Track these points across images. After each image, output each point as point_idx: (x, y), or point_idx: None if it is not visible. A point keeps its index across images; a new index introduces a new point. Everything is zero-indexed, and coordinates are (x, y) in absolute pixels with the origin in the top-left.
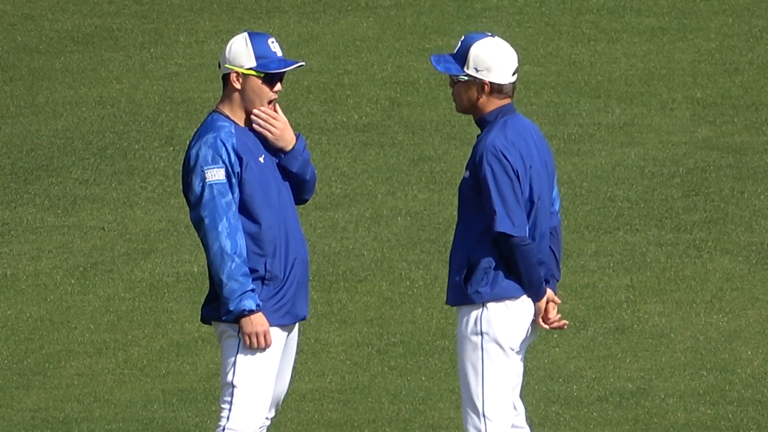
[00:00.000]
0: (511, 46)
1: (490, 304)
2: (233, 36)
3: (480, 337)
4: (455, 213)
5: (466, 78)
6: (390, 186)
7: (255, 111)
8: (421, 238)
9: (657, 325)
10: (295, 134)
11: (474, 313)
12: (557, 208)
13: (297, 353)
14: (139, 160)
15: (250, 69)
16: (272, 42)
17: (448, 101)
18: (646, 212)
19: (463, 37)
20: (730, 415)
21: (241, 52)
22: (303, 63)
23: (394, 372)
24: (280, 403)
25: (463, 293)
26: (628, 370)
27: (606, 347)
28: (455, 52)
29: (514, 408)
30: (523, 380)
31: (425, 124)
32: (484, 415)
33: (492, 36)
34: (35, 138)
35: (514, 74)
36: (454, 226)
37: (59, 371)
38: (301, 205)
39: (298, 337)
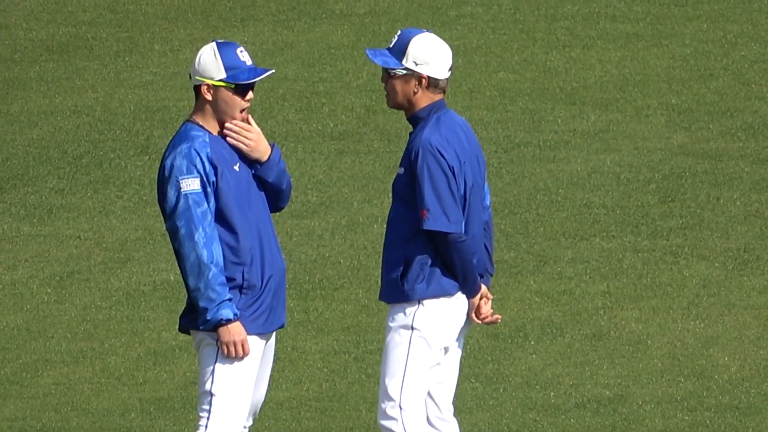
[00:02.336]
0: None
1: (425, 301)
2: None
3: (410, 331)
4: None
5: (404, 72)
6: (366, 194)
7: (227, 124)
8: None
9: (634, 332)
10: (270, 144)
11: (408, 309)
12: (488, 203)
13: (274, 361)
14: (114, 169)
15: (220, 80)
16: (241, 51)
17: None
18: (622, 219)
19: (399, 32)
20: (708, 422)
21: (210, 63)
22: (273, 71)
23: (372, 379)
24: (258, 411)
25: (399, 290)
26: (606, 376)
27: (583, 354)
28: (391, 46)
29: (436, 405)
30: (459, 375)
31: (401, 132)
32: (400, 407)
33: (429, 31)
34: (10, 147)
35: (449, 70)
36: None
37: (36, 380)
38: (277, 213)
39: (276, 345)
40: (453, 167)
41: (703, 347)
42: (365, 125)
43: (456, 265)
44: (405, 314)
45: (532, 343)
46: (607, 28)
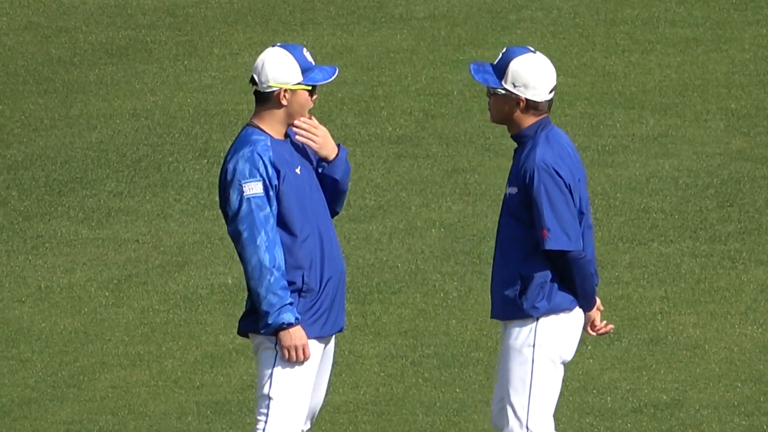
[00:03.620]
0: (546, 57)
1: (545, 318)
2: (266, 49)
3: (532, 349)
4: (489, 224)
5: (503, 92)
6: (424, 198)
7: (296, 122)
8: (455, 250)
9: (691, 337)
10: (336, 144)
11: (528, 326)
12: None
13: (333, 365)
14: (173, 173)
15: (298, 84)
16: (306, 52)
17: (482, 113)
18: (681, 223)
19: (504, 50)
20: (765, 427)
21: (284, 68)
22: (337, 68)
23: (429, 384)
24: (316, 415)
25: (518, 308)
26: (663, 381)
27: (640, 358)
28: (495, 62)
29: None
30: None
31: (459, 136)
32: (527, 428)
33: (533, 52)
34: (69, 150)
35: (551, 92)
36: (491, 238)
37: (93, 383)
38: (334, 217)
39: (335, 348)
40: (569, 184)
41: (760, 352)
42: (423, 129)
43: (576, 282)
44: (525, 332)
45: (590, 347)
46: (666, 33)
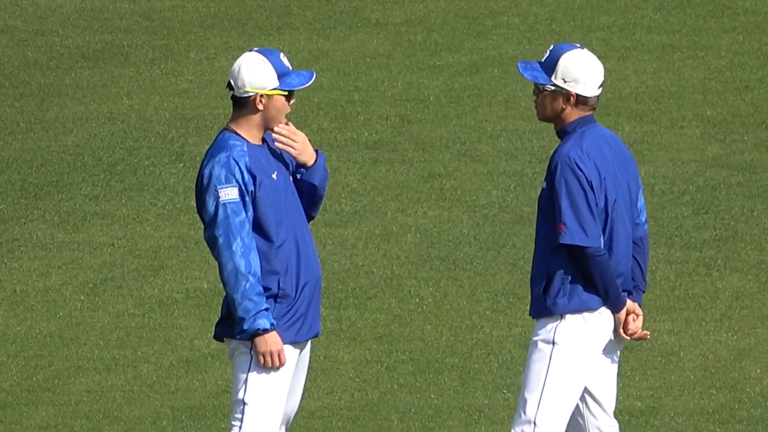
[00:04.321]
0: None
1: (567, 316)
2: (242, 53)
3: (551, 346)
4: (464, 230)
5: (553, 88)
6: (400, 203)
7: (276, 128)
8: (430, 256)
9: (666, 343)
10: (314, 149)
11: (551, 324)
12: (643, 219)
13: (308, 370)
14: (149, 177)
15: (275, 89)
16: (283, 56)
17: (459, 118)
18: (656, 230)
19: (551, 47)
20: None
21: (260, 73)
22: (314, 72)
23: (404, 389)
24: (291, 420)
25: (542, 305)
26: (637, 388)
27: None
28: (543, 60)
29: (607, 416)
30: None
31: (435, 141)
32: (534, 423)
33: (581, 48)
34: (45, 154)
35: (600, 87)
36: (467, 244)
37: (68, 388)
38: (310, 222)
39: (310, 354)
40: (591, 181)
41: (735, 360)
42: (400, 134)
43: (596, 280)
44: (547, 329)
45: None
46: (642, 40)
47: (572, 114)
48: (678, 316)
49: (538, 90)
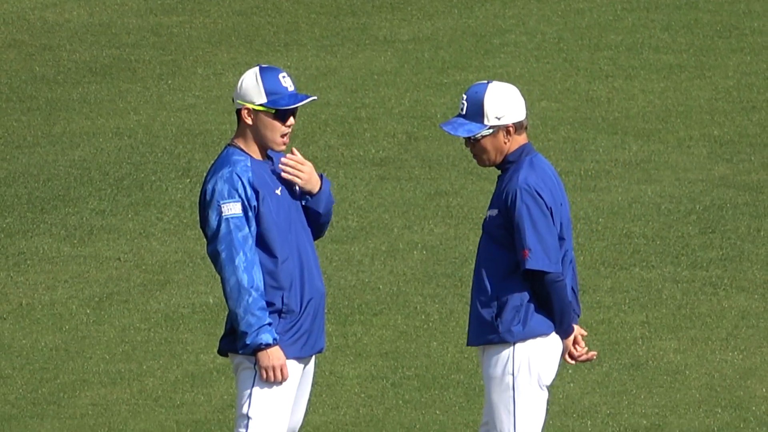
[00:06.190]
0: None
1: (521, 343)
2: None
3: (512, 376)
4: (471, 247)
5: (491, 131)
6: (406, 220)
7: (283, 159)
8: (437, 272)
9: (672, 362)
10: (318, 174)
11: (504, 353)
12: (571, 246)
13: (312, 385)
14: (155, 192)
15: (261, 105)
16: (283, 77)
17: None
18: (662, 249)
19: (465, 96)
20: None
21: (251, 88)
22: (315, 97)
23: (409, 405)
24: None
25: (494, 332)
26: (643, 406)
27: (621, 383)
28: (464, 112)
29: None
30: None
31: (442, 159)
32: None
33: (488, 81)
34: (52, 168)
35: (524, 107)
36: (472, 261)
37: (74, 401)
38: (317, 239)
39: (315, 369)
40: (551, 207)
41: (741, 378)
42: (407, 152)
43: (554, 305)
44: (503, 359)
45: (570, 371)
46: (650, 59)
47: (514, 143)
48: (684, 334)
49: (473, 140)
